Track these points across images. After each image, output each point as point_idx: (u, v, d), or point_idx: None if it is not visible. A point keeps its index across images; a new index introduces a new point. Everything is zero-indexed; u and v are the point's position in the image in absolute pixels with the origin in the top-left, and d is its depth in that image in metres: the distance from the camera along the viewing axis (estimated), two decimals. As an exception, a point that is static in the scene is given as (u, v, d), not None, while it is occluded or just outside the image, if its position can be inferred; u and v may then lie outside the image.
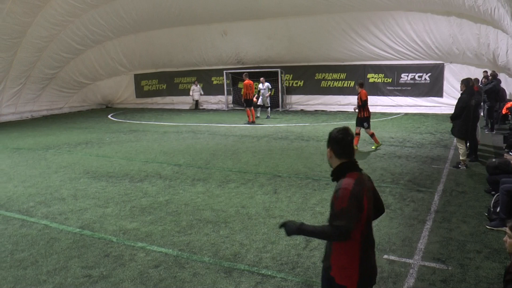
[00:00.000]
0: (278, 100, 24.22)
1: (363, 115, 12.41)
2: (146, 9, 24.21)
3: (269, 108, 21.66)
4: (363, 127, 12.50)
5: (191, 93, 26.47)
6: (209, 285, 5.10)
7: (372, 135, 12.70)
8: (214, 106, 26.96)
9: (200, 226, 6.89)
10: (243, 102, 19.81)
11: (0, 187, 9.96)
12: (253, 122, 19.01)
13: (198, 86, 26.52)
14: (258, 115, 21.17)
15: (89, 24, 25.30)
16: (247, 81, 19.20)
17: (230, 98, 26.59)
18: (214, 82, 26.95)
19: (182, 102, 27.57)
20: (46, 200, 8.75)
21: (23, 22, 22.62)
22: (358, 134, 12.58)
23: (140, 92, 29.71)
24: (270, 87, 22.04)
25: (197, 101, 26.91)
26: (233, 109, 25.80)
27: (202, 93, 26.74)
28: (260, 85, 21.67)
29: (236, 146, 13.78)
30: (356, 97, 12.81)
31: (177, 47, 26.41)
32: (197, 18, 24.15)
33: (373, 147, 12.69)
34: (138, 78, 29.58)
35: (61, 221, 7.47)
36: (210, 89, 27.07)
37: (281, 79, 24.22)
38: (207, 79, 27.12)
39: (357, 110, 12.55)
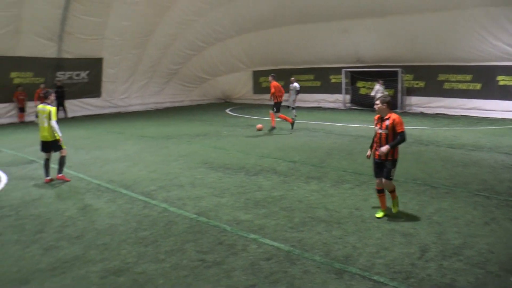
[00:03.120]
0: (397, 102, 23.23)
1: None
2: (268, 8, 24.77)
3: (293, 110, 20.20)
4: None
5: (373, 93, 22.27)
6: (319, 284, 5.05)
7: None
8: (331, 105, 26.68)
9: (312, 224, 6.87)
10: (274, 105, 17.14)
11: (127, 170, 10.86)
12: (274, 128, 17.12)
13: (381, 86, 22.45)
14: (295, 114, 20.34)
15: (212, 23, 26.53)
16: (274, 82, 17.11)
17: (348, 97, 26.12)
18: (332, 81, 26.69)
19: (299, 99, 27.27)
20: (166, 186, 9.34)
21: (152, 22, 24.46)
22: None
23: (258, 88, 30.43)
24: (298, 88, 20.58)
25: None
26: (350, 109, 25.39)
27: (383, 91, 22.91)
28: (291, 85, 20.51)
29: (352, 146, 13.53)
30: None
31: (295, 45, 26.59)
32: (317, 16, 24.11)
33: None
34: (257, 75, 30.32)
35: (179, 206, 7.92)
36: (327, 88, 26.85)
37: (401, 79, 23.27)
38: (325, 77, 26.93)
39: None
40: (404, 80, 23.54)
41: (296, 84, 20.48)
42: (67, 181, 9.92)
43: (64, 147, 9.94)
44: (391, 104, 7.16)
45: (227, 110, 25.83)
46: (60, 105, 22.20)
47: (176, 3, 24.07)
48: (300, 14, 24.40)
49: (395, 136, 6.88)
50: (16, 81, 21.84)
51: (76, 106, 24.22)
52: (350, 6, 22.53)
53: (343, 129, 17.25)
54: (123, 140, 15.68)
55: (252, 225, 6.88)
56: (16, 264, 5.76)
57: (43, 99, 9.88)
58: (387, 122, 6.93)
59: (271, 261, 5.62)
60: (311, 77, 27.26)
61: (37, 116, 9.98)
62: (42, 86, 20.94)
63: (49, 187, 9.49)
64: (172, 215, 7.47)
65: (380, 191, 7.26)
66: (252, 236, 6.45)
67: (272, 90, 16.84)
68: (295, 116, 19.44)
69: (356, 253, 5.84)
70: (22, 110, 21.96)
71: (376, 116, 7.21)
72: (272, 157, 12.02)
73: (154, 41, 25.70)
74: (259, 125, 16.82)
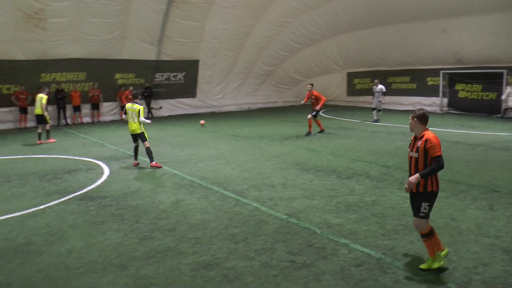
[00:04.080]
0: (500, 108, 21.46)
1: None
2: (364, 8, 24.22)
3: (380, 112, 20.53)
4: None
5: (503, 97, 20.72)
6: (413, 295, 4.81)
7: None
8: (427, 108, 25.13)
9: (405, 233, 6.55)
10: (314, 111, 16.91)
11: (220, 168, 11.12)
12: (310, 133, 16.78)
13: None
14: (375, 117, 20.43)
15: (307, 24, 26.46)
16: (315, 92, 16.88)
17: (445, 100, 24.70)
18: (429, 83, 25.34)
19: (394, 102, 26.50)
20: (257, 185, 9.42)
21: (249, 24, 24.94)
22: None
23: (352, 90, 29.85)
24: (384, 90, 20.33)
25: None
26: (447, 113, 24.01)
27: None
28: (376, 87, 20.32)
29: (448, 153, 12.74)
30: None
31: (391, 46, 25.67)
32: (414, 15, 23.11)
33: None
34: (351, 76, 29.76)
35: (270, 206, 7.94)
36: (424, 90, 25.58)
37: (506, 81, 21.55)
38: (421, 79, 25.70)
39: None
40: (510, 82, 21.73)
41: (381, 86, 20.55)
42: (160, 167, 11.26)
43: (147, 139, 11.56)
44: (426, 118, 5.57)
45: (320, 112, 25.57)
46: (147, 105, 23.60)
47: (273, 6, 24.34)
48: (397, 14, 23.54)
49: (428, 162, 5.32)
50: (120, 82, 23.41)
51: (172, 106, 25.45)
52: (450, 4, 21.27)
53: (439, 134, 16.09)
54: (217, 139, 16.12)
55: (343, 230, 6.71)
56: (115, 250, 6.12)
57: (132, 99, 11.59)
58: (419, 143, 5.39)
59: (361, 268, 5.44)
60: (407, 79, 26.15)
61: (125, 114, 11.62)
62: (130, 88, 22.45)
63: (145, 181, 10.00)
64: (263, 214, 7.51)
65: (424, 236, 5.45)
66: (343, 240, 6.29)
67: (323, 98, 16.89)
68: (377, 119, 20.40)
69: (451, 266, 5.47)
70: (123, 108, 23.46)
71: (413, 136, 5.66)
72: (364, 161, 11.70)
73: (249, 43, 26.20)
74: (202, 121, 18.59)
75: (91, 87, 22.45)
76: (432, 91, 24.97)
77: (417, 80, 25.75)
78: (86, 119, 22.71)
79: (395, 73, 26.83)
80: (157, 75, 24.57)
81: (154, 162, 11.41)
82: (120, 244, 6.31)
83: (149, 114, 23.89)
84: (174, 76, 25.31)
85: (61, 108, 21.60)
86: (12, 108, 20.60)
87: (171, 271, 5.44)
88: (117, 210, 7.89)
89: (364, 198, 8.31)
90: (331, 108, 27.85)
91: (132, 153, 12.09)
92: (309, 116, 16.63)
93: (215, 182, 9.74)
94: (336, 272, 5.33)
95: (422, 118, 5.52)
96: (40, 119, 15.88)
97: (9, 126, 20.59)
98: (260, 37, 26.21)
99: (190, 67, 25.42)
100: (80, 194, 9.05)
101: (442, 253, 5.36)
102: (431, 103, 25.07)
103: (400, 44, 25.15)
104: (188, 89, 26.07)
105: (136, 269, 5.52)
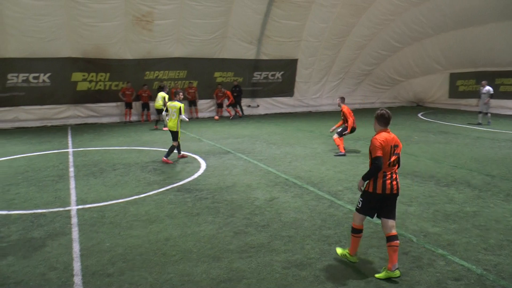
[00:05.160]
0: None
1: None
2: (471, 4, 22.61)
3: (487, 114, 19.48)
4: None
5: None
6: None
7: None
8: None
9: (511, 249, 6.10)
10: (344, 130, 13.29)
11: (315, 168, 11.10)
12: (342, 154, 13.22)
13: None
14: (480, 121, 19.71)
15: (409, 22, 25.42)
16: (346, 107, 13.50)
17: None
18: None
19: (501, 106, 24.51)
20: (352, 187, 9.27)
21: (348, 23, 24.54)
22: None
23: (454, 92, 28.21)
24: (492, 92, 19.27)
25: None
26: None
27: None
28: (484, 88, 19.42)
29: None
30: None
31: (501, 44, 23.59)
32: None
33: None
34: (454, 77, 28.11)
35: (364, 210, 7.77)
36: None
37: None
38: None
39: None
40: None
41: (489, 88, 19.59)
42: (170, 163, 11.81)
43: (179, 139, 12.20)
44: (385, 119, 5.42)
45: (419, 114, 24.59)
46: (237, 103, 23.92)
47: (374, 3, 23.70)
48: (506, 10, 21.71)
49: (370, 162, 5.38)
50: (219, 80, 24.17)
51: (269, 104, 25.79)
52: None
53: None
54: (313, 138, 16.10)
55: (441, 240, 6.39)
56: (210, 241, 6.36)
57: (174, 97, 12.31)
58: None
59: (460, 282, 5.14)
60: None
61: (166, 111, 12.34)
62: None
63: (241, 177, 10.24)
64: (357, 218, 7.38)
65: (351, 230, 5.69)
66: (440, 251, 5.99)
67: (352, 119, 13.18)
68: (480, 123, 19.49)
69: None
70: (220, 105, 24.24)
71: None
72: (466, 168, 11.03)
73: (348, 42, 25.78)
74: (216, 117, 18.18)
75: (187, 85, 23.38)
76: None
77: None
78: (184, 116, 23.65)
79: (504, 74, 24.78)
80: (255, 73, 25.03)
81: (166, 158, 11.96)
82: (214, 236, 6.54)
83: (236, 114, 24.09)
84: (272, 75, 25.62)
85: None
86: (119, 103, 22.14)
87: (263, 267, 5.53)
88: (213, 203, 8.17)
89: (465, 208, 7.84)
90: (431, 110, 26.63)
91: (226, 149, 12.45)
92: (335, 136, 13.29)
93: (309, 182, 9.73)
94: (432, 284, 5.09)
95: (379, 118, 5.44)
96: (159, 111, 18.40)
97: (115, 119, 22.17)
98: (360, 36, 25.67)
99: (288, 66, 25.59)
100: (177, 185, 9.51)
101: (348, 254, 5.63)
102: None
103: (512, 42, 23.16)
104: (285, 88, 26.28)
105: (229, 261, 5.69)
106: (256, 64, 24.71)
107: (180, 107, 11.94)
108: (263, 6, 21.81)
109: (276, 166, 11.33)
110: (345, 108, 13.32)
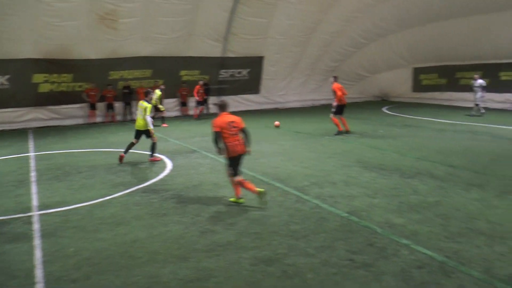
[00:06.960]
0: None
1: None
2: (436, 0, 23.08)
3: (479, 105, 20.52)
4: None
5: None
6: (478, 302, 4.60)
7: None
8: (499, 105, 23.70)
9: (471, 236, 6.25)
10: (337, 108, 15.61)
11: (282, 165, 11.16)
12: (340, 132, 15.71)
13: None
14: (482, 111, 20.34)
15: (375, 19, 25.75)
16: (337, 84, 15.68)
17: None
18: (502, 78, 23.81)
19: (461, 98, 25.15)
20: (319, 182, 9.36)
21: (315, 20, 24.68)
22: None
23: (418, 86, 28.85)
24: (484, 84, 20.43)
25: None
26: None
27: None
28: (476, 81, 20.26)
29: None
30: None
31: (465, 39, 24.04)
32: (491, 6, 21.62)
33: None
34: (417, 72, 28.74)
35: (331, 203, 7.87)
36: (496, 86, 23.99)
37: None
38: (494, 74, 24.09)
39: None
40: None
41: (481, 81, 20.53)
42: (158, 160, 12.01)
43: (155, 136, 12.07)
44: (221, 107, 8.27)
45: (384, 109, 25.02)
46: (205, 101, 23.40)
47: (340, 0, 23.86)
48: (471, 5, 22.12)
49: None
50: (185, 78, 24.00)
51: (236, 102, 25.67)
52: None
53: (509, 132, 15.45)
54: (280, 135, 16.17)
55: (405, 230, 6.52)
56: (177, 242, 6.31)
57: (144, 96, 12.25)
58: None
59: (423, 270, 5.26)
60: (479, 74, 24.79)
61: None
62: (200, 83, 22.72)
63: (207, 176, 10.21)
64: (324, 211, 7.46)
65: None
66: (404, 241, 6.12)
67: (339, 93, 15.15)
68: (483, 112, 20.22)
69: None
70: (184, 104, 24.10)
71: None
72: (429, 160, 11.28)
73: (315, 39, 25.92)
74: (277, 122, 17.88)
75: (153, 84, 22.80)
76: (505, 87, 23.40)
77: (489, 75, 24.24)
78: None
79: (465, 67, 25.47)
80: (221, 71, 24.94)
81: (153, 157, 12.06)
82: (182, 236, 6.49)
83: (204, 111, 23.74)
84: (239, 73, 25.60)
85: (127, 103, 22.48)
86: (83, 105, 21.73)
87: (231, 265, 5.52)
88: (179, 203, 8.12)
89: (428, 199, 8.02)
90: (395, 105, 27.12)
91: (193, 148, 12.40)
92: (331, 115, 14.74)
93: (276, 178, 9.77)
94: (397, 273, 5.19)
95: (219, 106, 8.26)
96: (156, 109, 19.04)
97: (80, 121, 21.78)
98: (326, 33, 25.82)
99: (254, 64, 25.60)
100: (144, 186, 9.41)
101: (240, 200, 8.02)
102: (504, 100, 23.64)
103: (475, 36, 23.33)
104: (252, 85, 26.28)
105: (196, 261, 5.66)
106: (223, 62, 24.60)
107: (146, 108, 11.83)
108: (230, 3, 21.70)
109: (243, 164, 11.30)
110: (334, 85, 14.93)
